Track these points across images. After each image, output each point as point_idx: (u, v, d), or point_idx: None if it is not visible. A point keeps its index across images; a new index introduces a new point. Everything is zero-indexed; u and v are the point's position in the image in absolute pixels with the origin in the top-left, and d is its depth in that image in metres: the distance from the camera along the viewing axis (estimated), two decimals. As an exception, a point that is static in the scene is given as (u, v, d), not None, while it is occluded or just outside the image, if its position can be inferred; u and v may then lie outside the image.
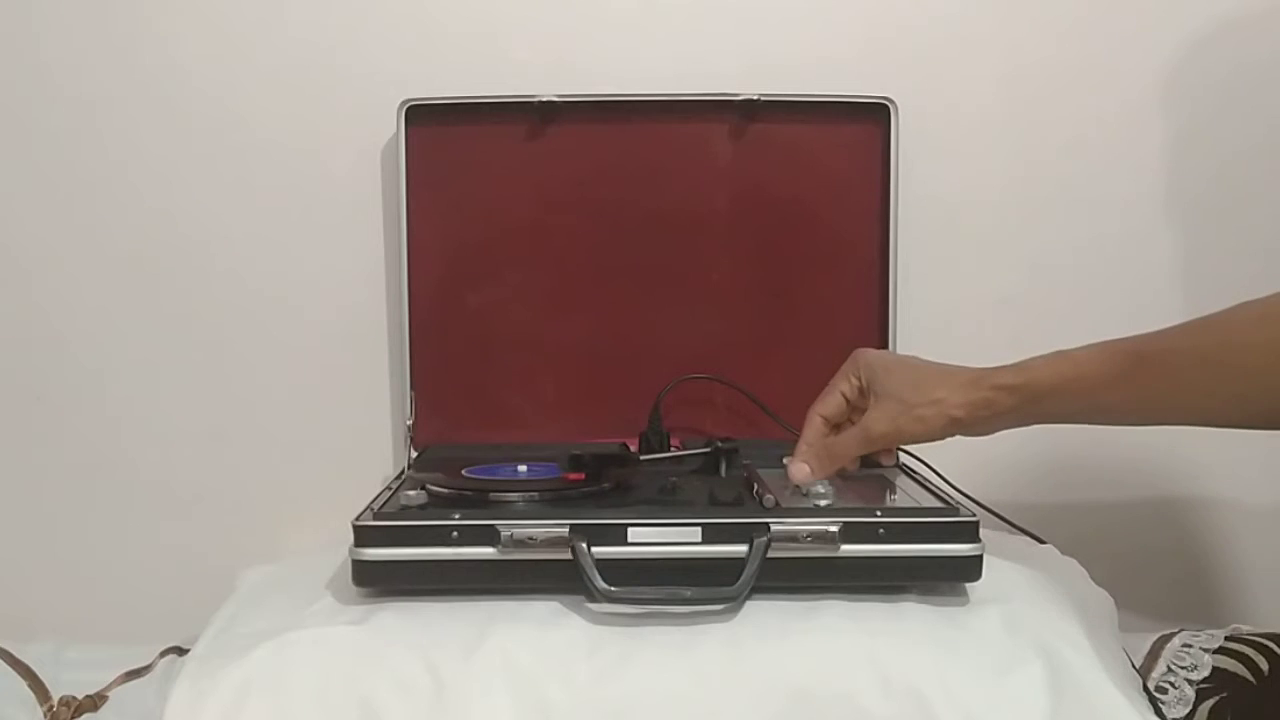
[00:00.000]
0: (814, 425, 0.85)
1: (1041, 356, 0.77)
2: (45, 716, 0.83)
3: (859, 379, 0.84)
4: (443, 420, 1.03)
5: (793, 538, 0.76)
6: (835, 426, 0.86)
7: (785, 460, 0.86)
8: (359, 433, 1.08)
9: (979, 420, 0.78)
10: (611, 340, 1.04)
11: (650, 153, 1.03)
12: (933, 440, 0.81)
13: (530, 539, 0.76)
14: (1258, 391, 0.68)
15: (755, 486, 0.84)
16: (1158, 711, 0.76)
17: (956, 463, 0.96)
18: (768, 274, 1.04)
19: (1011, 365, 0.78)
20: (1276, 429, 0.70)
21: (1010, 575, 0.81)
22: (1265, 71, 1.06)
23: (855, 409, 0.85)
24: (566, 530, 0.76)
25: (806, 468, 0.84)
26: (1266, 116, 1.07)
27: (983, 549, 0.77)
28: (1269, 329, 0.67)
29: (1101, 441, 1.08)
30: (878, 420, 0.81)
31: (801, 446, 0.85)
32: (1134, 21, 1.05)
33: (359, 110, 1.04)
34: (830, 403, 0.85)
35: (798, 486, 0.84)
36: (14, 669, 0.86)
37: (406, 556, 0.76)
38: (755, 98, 1.00)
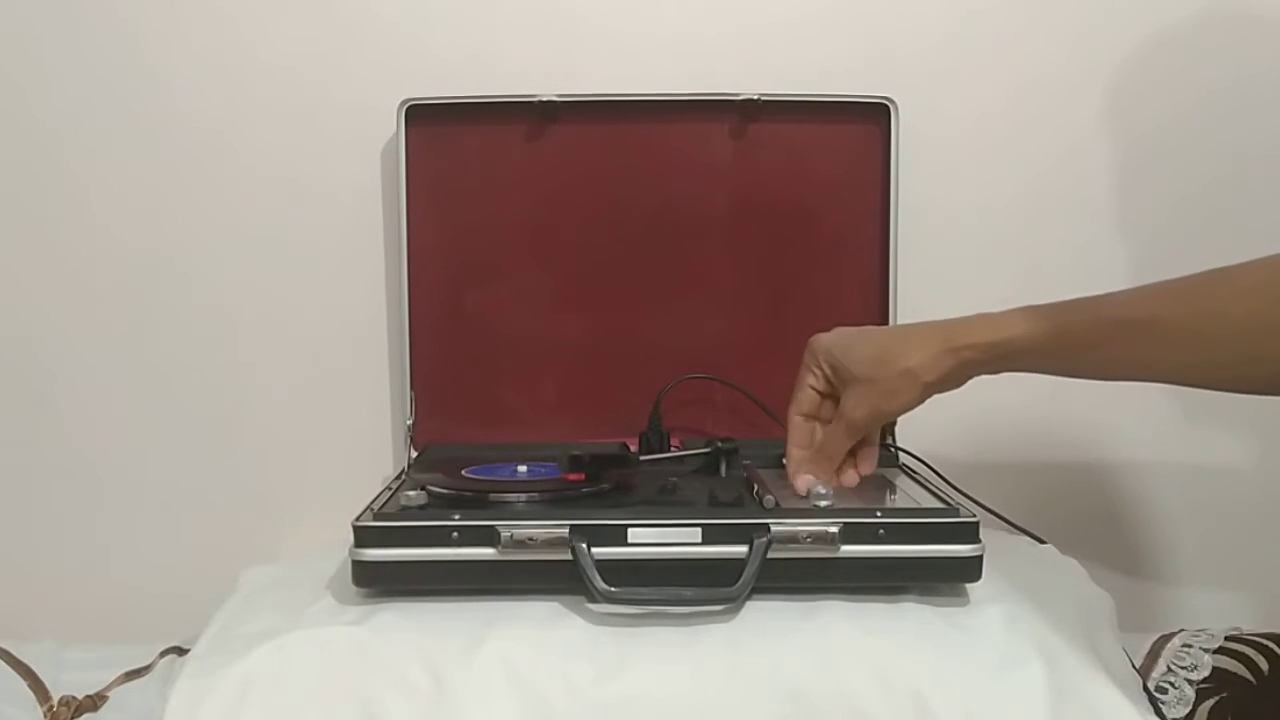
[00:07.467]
0: (796, 427, 0.83)
1: (1011, 312, 0.76)
2: (45, 716, 0.83)
3: (821, 368, 0.82)
4: (443, 420, 1.03)
5: (793, 538, 0.76)
6: (815, 418, 0.83)
7: (785, 462, 0.84)
8: (359, 433, 1.08)
9: (951, 379, 0.77)
10: (611, 340, 1.04)
11: (650, 153, 1.03)
12: (912, 409, 0.79)
13: (530, 539, 0.76)
14: (1235, 360, 0.69)
15: (755, 487, 0.84)
16: (1158, 711, 0.76)
17: (956, 463, 0.96)
18: (768, 274, 1.04)
19: (980, 319, 0.77)
20: (1247, 394, 0.71)
21: (1010, 575, 0.81)
22: (1269, 78, 1.06)
23: (828, 395, 0.83)
24: (566, 531, 0.76)
25: (810, 477, 0.81)
26: (1269, 122, 1.06)
27: (983, 549, 0.77)
28: (1249, 302, 0.68)
29: (1103, 443, 1.09)
30: (854, 406, 0.79)
31: (792, 450, 0.83)
32: (1135, 29, 1.05)
33: (359, 110, 1.04)
34: (803, 399, 0.83)
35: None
36: (14, 669, 0.86)
37: (406, 557, 0.76)
38: (755, 98, 1.00)
